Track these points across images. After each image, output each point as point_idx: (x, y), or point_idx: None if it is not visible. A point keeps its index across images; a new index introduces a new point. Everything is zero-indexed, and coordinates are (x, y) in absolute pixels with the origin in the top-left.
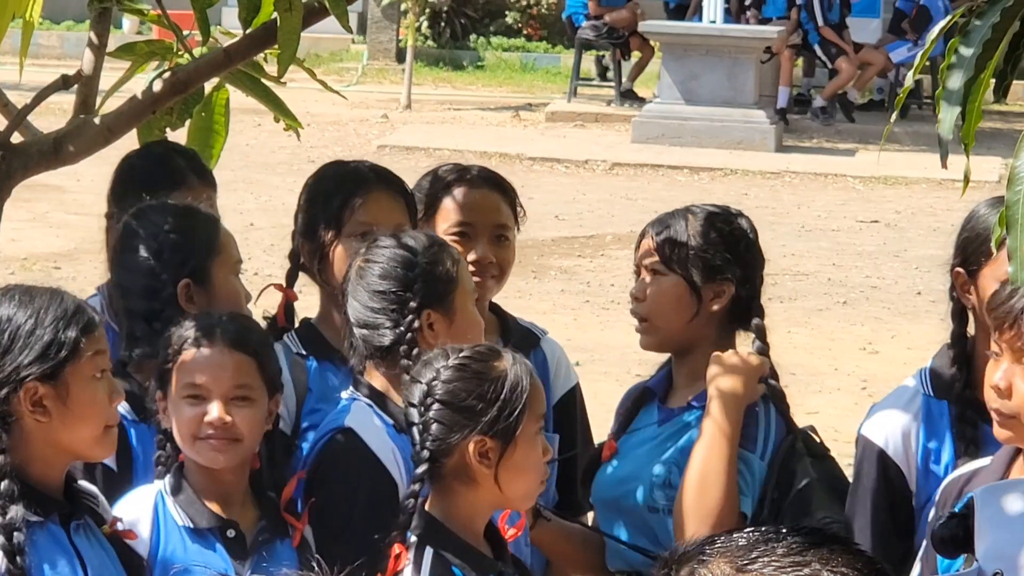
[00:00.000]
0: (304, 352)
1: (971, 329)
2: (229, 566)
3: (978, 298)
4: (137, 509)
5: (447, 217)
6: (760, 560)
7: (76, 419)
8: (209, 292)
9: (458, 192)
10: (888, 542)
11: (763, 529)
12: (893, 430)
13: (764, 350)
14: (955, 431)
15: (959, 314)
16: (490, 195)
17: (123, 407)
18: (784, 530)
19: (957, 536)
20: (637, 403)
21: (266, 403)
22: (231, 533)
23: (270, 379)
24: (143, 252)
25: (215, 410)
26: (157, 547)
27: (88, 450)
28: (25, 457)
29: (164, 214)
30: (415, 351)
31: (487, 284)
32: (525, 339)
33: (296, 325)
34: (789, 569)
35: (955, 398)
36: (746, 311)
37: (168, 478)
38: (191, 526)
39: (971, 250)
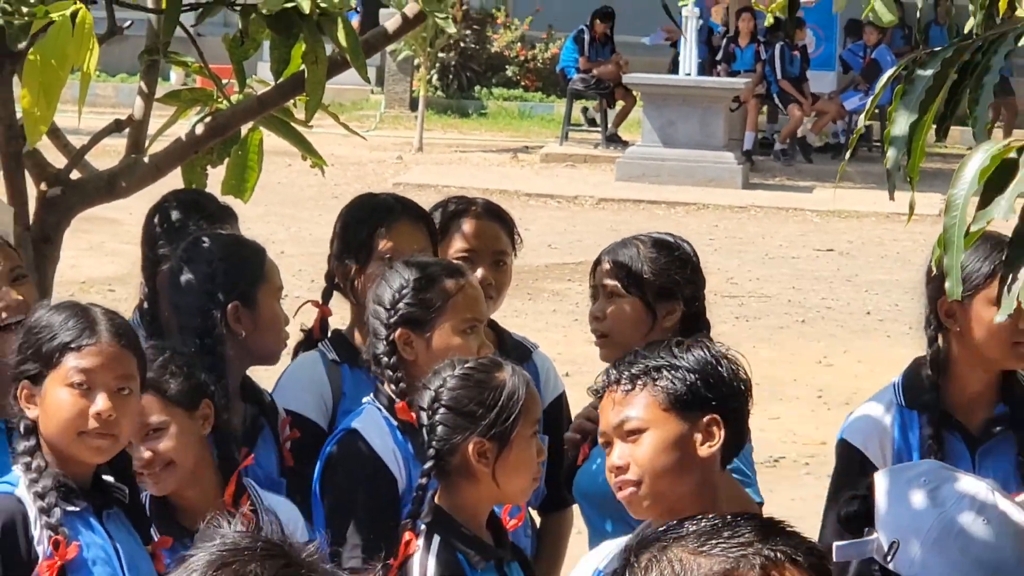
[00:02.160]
0: (339, 359)
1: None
2: None
3: (967, 322)
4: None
5: (453, 243)
6: (709, 541)
7: (49, 422)
8: (254, 314)
9: (463, 222)
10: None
11: (711, 517)
12: (871, 435)
13: None
14: (923, 438)
15: (934, 333)
16: (491, 225)
17: None
18: (731, 518)
19: (859, 513)
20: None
21: (187, 421)
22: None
23: (182, 398)
24: (198, 276)
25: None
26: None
27: (70, 451)
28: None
29: (218, 243)
30: (392, 361)
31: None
32: (519, 352)
33: (330, 334)
34: (735, 549)
35: (924, 408)
36: (694, 326)
37: (149, 496)
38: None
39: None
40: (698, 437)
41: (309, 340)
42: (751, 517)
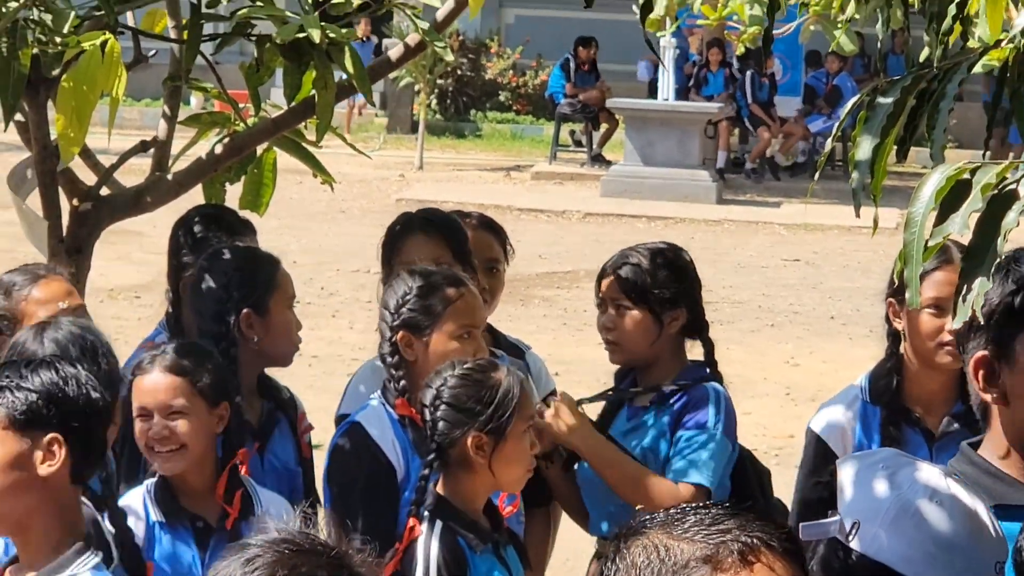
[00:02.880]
0: None
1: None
2: (196, 553)
3: (906, 323)
4: (133, 505)
5: None
6: (691, 529)
7: None
8: (266, 321)
9: None
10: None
11: (694, 505)
12: (834, 426)
13: (711, 360)
14: (883, 432)
15: (893, 336)
16: (485, 235)
17: None
18: (712, 507)
19: (824, 498)
20: (614, 407)
21: (206, 413)
22: (200, 524)
23: (208, 393)
24: (216, 284)
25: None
26: (149, 539)
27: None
28: None
29: (234, 255)
30: (394, 361)
31: None
32: (513, 352)
33: None
34: (715, 536)
35: (885, 404)
36: (694, 327)
37: (154, 479)
38: (164, 521)
39: (899, 286)
40: (39, 456)
41: None
42: (731, 506)
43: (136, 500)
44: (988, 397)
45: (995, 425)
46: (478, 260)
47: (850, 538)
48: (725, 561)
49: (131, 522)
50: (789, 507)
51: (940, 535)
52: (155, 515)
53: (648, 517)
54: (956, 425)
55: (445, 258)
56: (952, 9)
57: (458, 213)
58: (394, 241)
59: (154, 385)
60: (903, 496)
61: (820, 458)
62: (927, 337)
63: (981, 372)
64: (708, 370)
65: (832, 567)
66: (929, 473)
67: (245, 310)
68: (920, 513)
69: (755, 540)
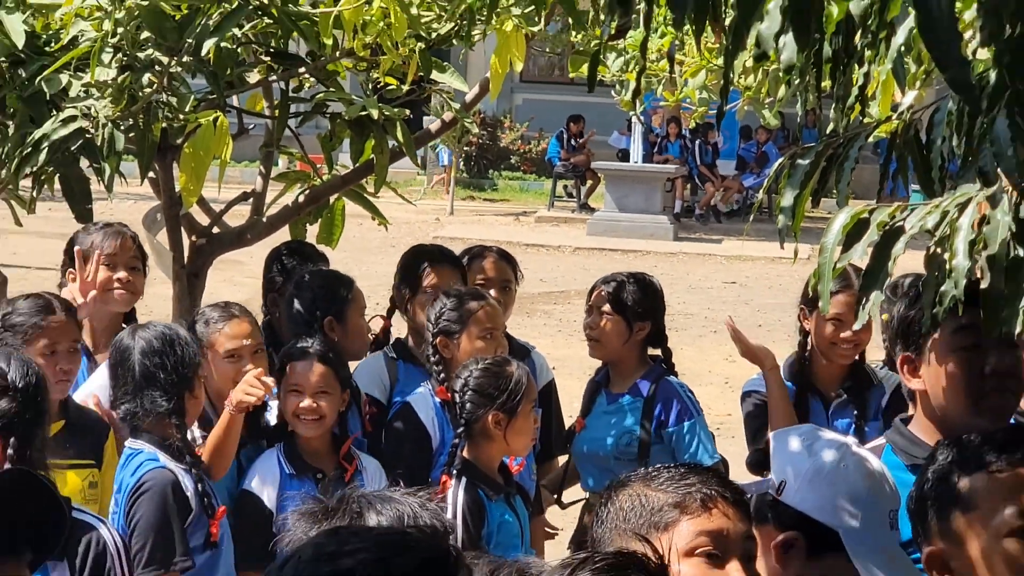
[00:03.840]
0: (396, 357)
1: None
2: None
3: (814, 328)
4: (270, 460)
5: (476, 274)
6: (663, 481)
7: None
8: (344, 326)
9: (484, 261)
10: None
11: (667, 465)
12: (762, 388)
13: (668, 363)
14: (796, 399)
15: (804, 334)
16: (501, 263)
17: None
18: (679, 464)
19: (761, 461)
20: (593, 394)
21: (339, 395)
22: (319, 476)
23: (342, 380)
24: (304, 300)
25: (306, 400)
26: (282, 487)
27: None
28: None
29: (317, 277)
30: (436, 358)
31: None
32: (521, 351)
33: (392, 341)
34: (682, 488)
35: (797, 381)
36: (657, 338)
37: (281, 443)
38: (294, 473)
39: (809, 298)
40: None
41: (376, 342)
42: (694, 466)
43: (272, 459)
44: (914, 386)
45: (919, 407)
46: (496, 280)
47: (779, 493)
48: (691, 506)
49: (266, 474)
50: (740, 460)
51: (846, 491)
52: (288, 469)
53: (632, 473)
54: (844, 397)
55: (460, 285)
56: (855, 91)
57: (482, 247)
58: (422, 268)
59: (310, 370)
60: (818, 460)
61: (758, 414)
62: (828, 340)
63: (906, 367)
64: (665, 367)
65: (764, 515)
66: (839, 441)
67: (328, 318)
68: (832, 473)
69: (713, 491)
